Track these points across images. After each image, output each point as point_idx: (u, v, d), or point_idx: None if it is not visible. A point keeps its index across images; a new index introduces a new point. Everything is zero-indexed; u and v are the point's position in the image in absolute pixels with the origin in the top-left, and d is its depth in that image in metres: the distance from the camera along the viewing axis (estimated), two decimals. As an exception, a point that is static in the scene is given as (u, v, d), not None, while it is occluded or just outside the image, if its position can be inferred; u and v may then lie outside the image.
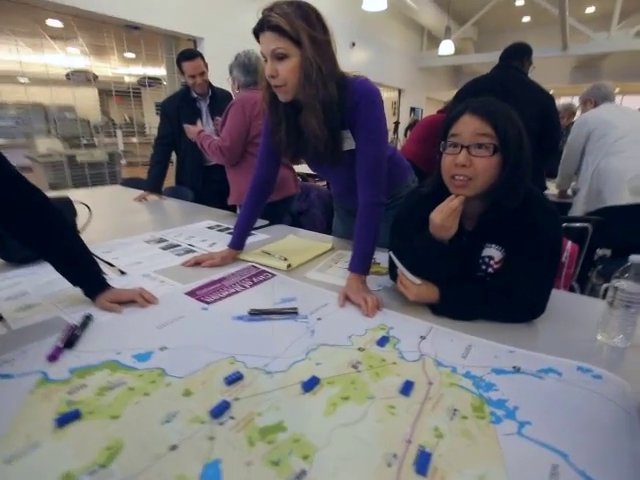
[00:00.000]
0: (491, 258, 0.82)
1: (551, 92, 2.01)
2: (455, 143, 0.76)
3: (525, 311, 0.80)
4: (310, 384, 0.59)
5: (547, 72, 6.43)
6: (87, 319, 0.77)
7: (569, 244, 1.30)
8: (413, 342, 0.72)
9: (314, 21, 0.86)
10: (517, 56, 1.98)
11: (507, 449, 0.48)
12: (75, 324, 0.74)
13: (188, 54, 2.00)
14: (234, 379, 0.60)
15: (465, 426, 0.52)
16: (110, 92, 4.46)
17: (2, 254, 1.05)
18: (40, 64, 3.58)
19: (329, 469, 0.45)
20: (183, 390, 0.58)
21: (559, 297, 0.94)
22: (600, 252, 2.19)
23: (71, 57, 4.03)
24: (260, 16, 0.85)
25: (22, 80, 3.79)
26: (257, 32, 0.87)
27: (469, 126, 0.74)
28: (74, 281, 0.83)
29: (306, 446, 0.48)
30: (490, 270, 0.83)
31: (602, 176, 1.91)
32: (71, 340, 0.69)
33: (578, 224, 1.63)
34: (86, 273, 0.84)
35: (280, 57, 0.86)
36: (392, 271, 0.94)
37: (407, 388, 0.59)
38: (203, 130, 1.76)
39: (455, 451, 0.48)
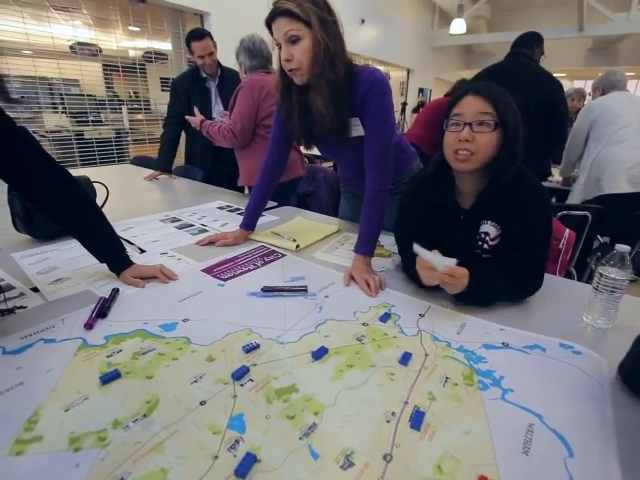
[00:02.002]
0: (487, 234, 0.89)
1: (564, 75, 2.05)
2: (458, 122, 0.82)
3: (529, 287, 0.88)
4: (319, 353, 0.67)
5: (561, 54, 6.29)
6: (115, 292, 0.84)
7: (567, 231, 1.35)
8: (412, 319, 0.79)
9: (321, 3, 0.91)
10: (526, 44, 2.02)
11: (491, 411, 0.55)
12: (104, 297, 0.82)
13: (197, 34, 2.00)
14: (251, 348, 0.68)
15: (455, 391, 0.59)
16: (115, 66, 4.42)
17: (29, 230, 1.12)
18: (45, 36, 3.55)
19: (336, 423, 0.53)
20: (207, 356, 0.66)
21: (552, 282, 1.00)
22: (602, 240, 2.24)
23: (76, 29, 3.98)
24: (271, 7, 0.89)
25: (27, 52, 3.76)
26: (269, 23, 0.91)
27: (472, 106, 0.80)
28: (101, 258, 0.90)
29: (316, 404, 0.56)
30: (485, 246, 0.90)
31: (602, 164, 1.94)
32: (103, 311, 0.76)
33: (578, 212, 1.68)
34: (112, 250, 0.91)
35: (294, 40, 0.90)
36: (406, 262, 0.96)
37: (405, 359, 0.66)
38: (204, 119, 1.79)
39: (445, 411, 0.55)
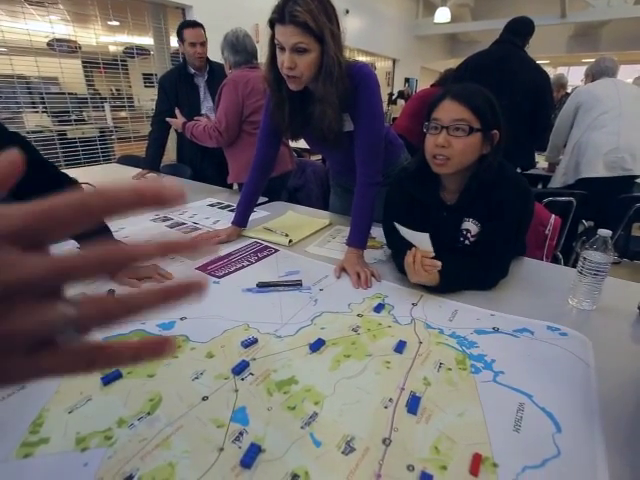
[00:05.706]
0: (468, 231, 0.92)
1: (547, 62, 2.08)
2: (436, 125, 0.84)
3: (495, 276, 0.90)
4: (316, 345, 0.68)
5: (543, 41, 6.32)
6: (111, 294, 0.84)
7: (553, 217, 1.39)
8: (406, 308, 0.81)
9: (332, 16, 0.89)
10: (521, 33, 2.01)
11: (483, 393, 0.58)
12: (100, 298, 0.82)
13: (191, 22, 2.01)
14: (250, 343, 0.69)
15: (449, 376, 0.61)
16: (95, 63, 4.32)
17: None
18: (21, 32, 3.45)
19: (336, 411, 0.55)
20: (206, 353, 0.67)
21: (539, 267, 1.04)
22: (586, 224, 2.30)
23: (53, 25, 3.88)
24: (280, 3, 0.85)
25: (2, 50, 3.65)
26: (274, 21, 0.87)
27: (448, 111, 0.82)
28: (96, 259, 0.90)
29: (316, 394, 0.58)
30: (467, 242, 0.93)
31: (582, 149, 2.00)
32: (100, 312, 0.77)
33: (563, 198, 1.73)
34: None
35: (301, 51, 0.88)
36: (389, 239, 1.03)
37: (400, 347, 0.68)
38: (186, 121, 1.77)
39: (440, 395, 0.57)
